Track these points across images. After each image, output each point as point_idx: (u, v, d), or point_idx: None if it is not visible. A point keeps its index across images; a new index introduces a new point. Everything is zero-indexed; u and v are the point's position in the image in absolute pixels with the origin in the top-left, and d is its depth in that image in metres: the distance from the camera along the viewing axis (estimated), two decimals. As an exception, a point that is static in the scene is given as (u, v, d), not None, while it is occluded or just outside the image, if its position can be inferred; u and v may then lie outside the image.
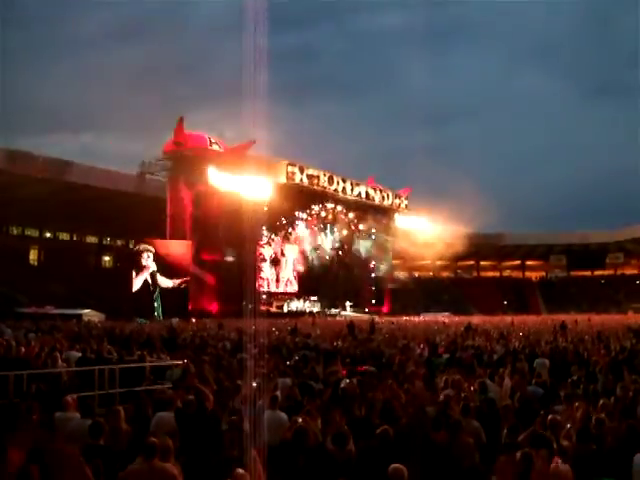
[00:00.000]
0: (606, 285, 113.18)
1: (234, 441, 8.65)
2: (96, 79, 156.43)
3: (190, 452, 9.20)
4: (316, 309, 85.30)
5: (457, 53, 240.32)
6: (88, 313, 57.78)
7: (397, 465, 7.24)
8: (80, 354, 20.50)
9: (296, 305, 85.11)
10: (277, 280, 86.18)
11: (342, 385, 14.68)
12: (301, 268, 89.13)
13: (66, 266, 67.82)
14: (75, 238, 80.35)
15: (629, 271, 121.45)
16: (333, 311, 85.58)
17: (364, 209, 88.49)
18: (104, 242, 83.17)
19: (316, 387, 14.41)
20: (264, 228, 75.11)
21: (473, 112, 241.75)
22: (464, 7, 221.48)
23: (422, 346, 25.97)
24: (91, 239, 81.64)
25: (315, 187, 78.86)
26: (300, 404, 12.32)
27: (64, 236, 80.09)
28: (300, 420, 10.09)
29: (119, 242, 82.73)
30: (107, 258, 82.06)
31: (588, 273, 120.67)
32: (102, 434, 9.06)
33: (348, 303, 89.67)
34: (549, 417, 10.27)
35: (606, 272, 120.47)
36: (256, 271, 72.46)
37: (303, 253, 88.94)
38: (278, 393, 12.65)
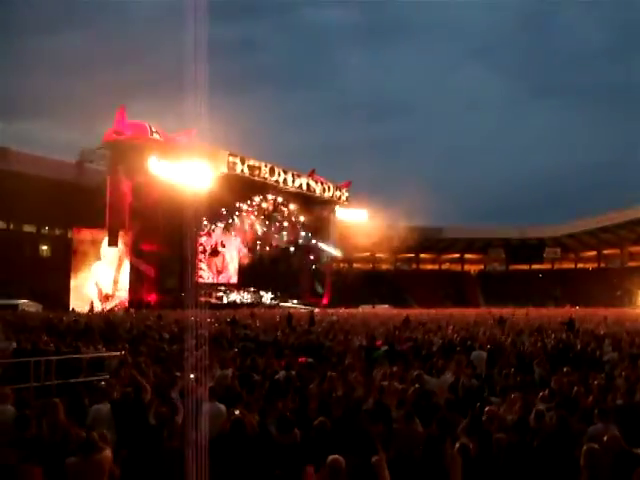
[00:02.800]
0: (544, 279, 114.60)
1: (172, 433, 8.64)
2: (33, 65, 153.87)
3: (128, 444, 9.16)
4: (256, 300, 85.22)
5: (398, 49, 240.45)
6: (25, 303, 57.05)
7: (336, 456, 7.27)
8: (15, 345, 20.32)
9: (236, 296, 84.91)
10: (217, 271, 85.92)
11: (279, 376, 14.74)
12: (241, 259, 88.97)
13: (2, 255, 66.80)
14: (12, 227, 79.05)
15: (566, 265, 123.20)
16: (273, 303, 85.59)
17: (305, 201, 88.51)
18: (42, 231, 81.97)
19: (256, 379, 14.42)
20: (204, 219, 74.76)
21: (414, 108, 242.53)
22: (405, 4, 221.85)
23: (360, 338, 26.05)
24: (28, 228, 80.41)
25: (256, 178, 78.52)
26: (239, 396, 12.32)
27: (0, 225, 78.82)
28: (237, 412, 10.08)
29: (57, 231, 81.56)
30: (45, 247, 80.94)
31: (526, 267, 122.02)
32: (29, 426, 8.98)
33: (283, 295, 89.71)
34: (486, 409, 10.39)
35: (544, 266, 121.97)
36: (195, 262, 72.15)
37: (243, 244, 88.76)
38: (216, 385, 12.64)
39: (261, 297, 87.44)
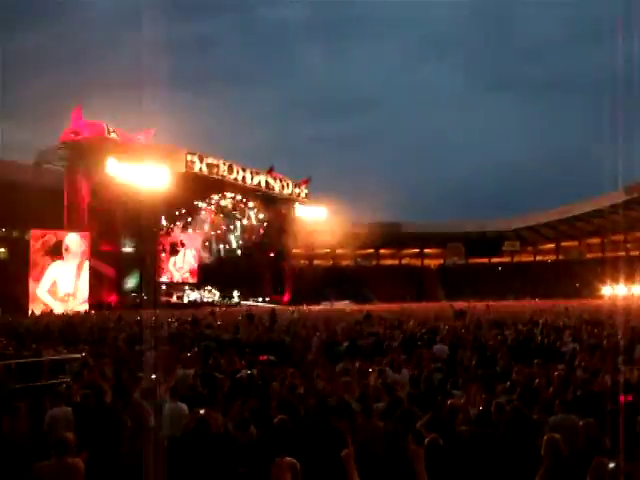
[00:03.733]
0: (503, 272, 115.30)
1: (134, 434, 8.61)
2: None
3: (90, 447, 9.10)
4: (216, 299, 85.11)
5: (358, 45, 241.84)
6: (-18, 307, 56.49)
7: (288, 458, 7.29)
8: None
9: (196, 295, 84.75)
10: (177, 270, 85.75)
11: (241, 375, 14.72)
12: (201, 258, 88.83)
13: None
14: (-33, 230, 78.20)
15: (525, 258, 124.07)
16: (233, 301, 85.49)
17: (264, 198, 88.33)
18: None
19: (218, 378, 14.39)
20: (163, 218, 74.50)
21: (374, 104, 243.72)
22: (361, 2, 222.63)
23: (320, 335, 26.05)
24: (-16, 231, 79.59)
25: (215, 176, 78.17)
26: (201, 395, 12.30)
27: (-45, 228, 77.86)
28: (202, 411, 10.07)
29: (14, 233, 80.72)
30: (2, 250, 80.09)
31: (485, 261, 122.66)
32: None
33: (244, 293, 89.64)
34: (448, 402, 10.46)
35: (503, 259, 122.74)
36: (155, 262, 71.89)
37: (203, 243, 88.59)
38: (177, 384, 12.62)
39: (223, 296, 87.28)
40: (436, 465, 8.05)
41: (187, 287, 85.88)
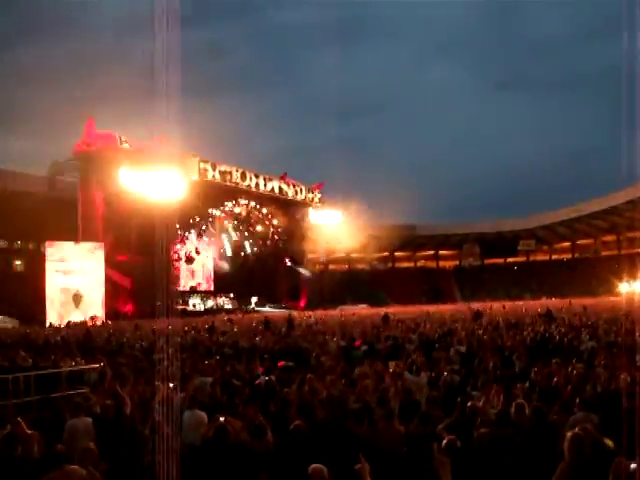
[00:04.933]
0: (519, 272, 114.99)
1: (154, 444, 8.60)
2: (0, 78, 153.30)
3: (109, 458, 9.09)
4: (233, 306, 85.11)
5: (366, 48, 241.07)
6: (1, 320, 56.65)
7: (317, 465, 7.24)
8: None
9: (212, 303, 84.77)
10: (192, 278, 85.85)
11: (259, 381, 14.71)
12: (216, 265, 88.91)
13: (-25, 272, 66.37)
14: (-16, 244, 78.55)
15: (540, 257, 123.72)
16: (250, 308, 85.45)
17: (278, 204, 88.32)
18: (15, 246, 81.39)
19: (237, 385, 14.39)
20: (177, 226, 74.61)
21: (384, 105, 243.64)
22: (370, 3, 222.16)
23: (336, 339, 26.04)
24: (0, 243, 79.82)
25: (228, 183, 78.28)
26: (220, 403, 12.30)
27: (-27, 242, 78.20)
28: (222, 419, 10.06)
29: (30, 245, 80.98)
30: (18, 262, 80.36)
31: (501, 261, 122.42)
32: (18, 444, 8.89)
33: (260, 299, 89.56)
34: (469, 404, 10.42)
35: (519, 259, 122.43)
36: (170, 270, 71.98)
37: (218, 250, 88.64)
38: (196, 393, 12.62)
39: (238, 303, 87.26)
40: (454, 467, 8.03)
41: (203, 295, 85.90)
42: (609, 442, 8.08)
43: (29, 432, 9.91)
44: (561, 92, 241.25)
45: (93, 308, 63.47)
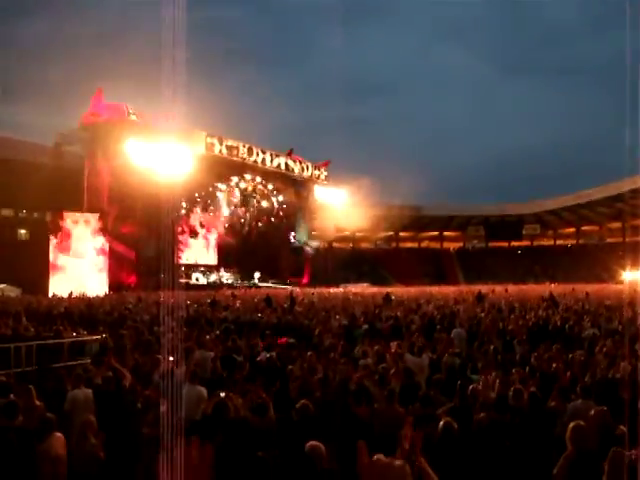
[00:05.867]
0: (523, 256, 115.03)
1: (152, 418, 8.62)
2: (6, 50, 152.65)
3: (109, 429, 9.14)
4: (236, 281, 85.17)
5: (374, 28, 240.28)
6: (4, 288, 56.74)
7: (314, 442, 7.27)
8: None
9: (215, 277, 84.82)
10: (196, 252, 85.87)
11: (261, 358, 14.73)
12: (220, 240, 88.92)
13: (-20, 241, 66.25)
14: (-12, 212, 78.51)
15: (545, 242, 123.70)
16: (253, 283, 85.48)
17: (284, 180, 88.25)
18: (20, 215, 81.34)
19: (238, 360, 14.40)
20: (183, 200, 74.46)
21: (392, 87, 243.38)
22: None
23: (339, 317, 26.05)
24: (6, 212, 79.78)
25: (234, 158, 78.16)
26: (221, 378, 12.33)
27: (-23, 210, 78.13)
28: (222, 394, 10.08)
29: (35, 215, 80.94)
30: (23, 231, 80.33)
31: (505, 244, 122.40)
32: (17, 414, 8.92)
33: (263, 275, 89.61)
34: (470, 387, 10.42)
35: (523, 243, 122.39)
36: (174, 243, 71.92)
37: (222, 225, 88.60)
38: (196, 367, 12.63)
39: (241, 278, 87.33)
40: (452, 449, 8.05)
41: (206, 269, 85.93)
42: (622, 428, 8.08)
43: (37, 403, 9.99)
44: (568, 78, 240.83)
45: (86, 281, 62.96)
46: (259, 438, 8.70)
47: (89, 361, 14.97)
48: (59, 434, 8.38)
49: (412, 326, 23.21)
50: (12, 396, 9.82)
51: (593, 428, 8.31)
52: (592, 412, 8.79)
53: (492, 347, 16.40)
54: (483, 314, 26.72)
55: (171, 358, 10.04)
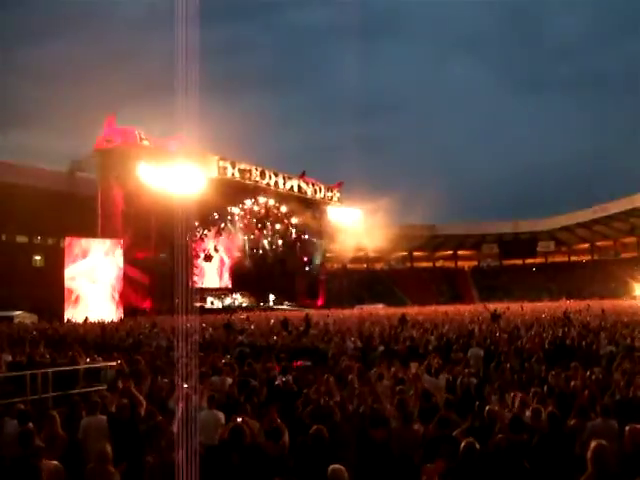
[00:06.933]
0: (538, 273, 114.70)
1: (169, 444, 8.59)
2: (19, 76, 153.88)
3: (123, 458, 9.11)
4: (251, 304, 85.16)
5: (386, 46, 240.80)
6: (20, 315, 56.72)
7: (337, 466, 7.21)
8: (10, 358, 20.26)
9: (230, 301, 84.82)
10: (210, 276, 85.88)
11: (277, 382, 14.67)
12: (234, 263, 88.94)
13: (-5, 267, 66.45)
14: (4, 238, 78.74)
15: (559, 259, 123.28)
16: (267, 306, 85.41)
17: (297, 203, 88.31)
18: (34, 242, 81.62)
19: (254, 384, 14.35)
20: (196, 224, 74.63)
21: (403, 105, 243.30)
22: (389, 2, 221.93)
23: (353, 339, 25.94)
24: (21, 239, 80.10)
25: (247, 181, 78.44)
26: (238, 402, 12.28)
27: (-7, 236, 78.43)
28: (239, 419, 10.05)
29: (50, 241, 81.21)
30: (38, 258, 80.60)
31: (520, 262, 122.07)
32: (32, 442, 8.88)
33: (278, 298, 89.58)
34: (487, 408, 10.34)
35: (537, 260, 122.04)
36: (189, 267, 72.02)
37: (236, 248, 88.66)
38: (213, 391, 12.60)
39: (256, 301, 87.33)
40: (473, 470, 7.98)
41: (221, 292, 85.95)
42: None
43: (60, 432, 9.97)
44: (581, 92, 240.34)
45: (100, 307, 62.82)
46: (273, 463, 8.66)
47: (105, 388, 14.97)
48: (51, 462, 8.32)
49: (428, 347, 23.13)
50: (31, 424, 9.82)
51: (628, 447, 8.23)
52: (627, 428, 8.63)
53: (509, 366, 16.32)
54: (499, 333, 26.61)
55: (185, 385, 10.02)
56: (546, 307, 57.37)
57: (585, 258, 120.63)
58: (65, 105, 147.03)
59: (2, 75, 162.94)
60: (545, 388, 12.91)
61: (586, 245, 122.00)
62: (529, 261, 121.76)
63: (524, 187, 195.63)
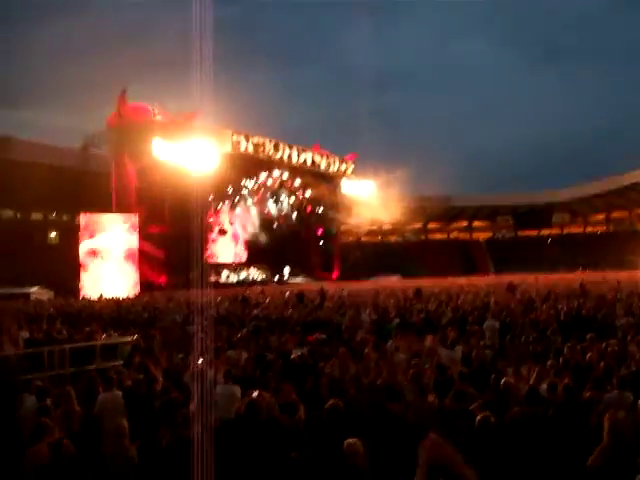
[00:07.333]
0: (553, 244, 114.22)
1: (185, 419, 8.61)
2: (32, 52, 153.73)
3: (140, 433, 9.14)
4: (266, 278, 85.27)
5: (402, 18, 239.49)
6: (36, 291, 56.95)
7: (352, 440, 7.23)
8: (28, 334, 20.36)
9: (245, 274, 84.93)
10: (225, 250, 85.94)
11: (293, 356, 14.68)
12: (249, 237, 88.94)
13: (11, 244, 66.57)
14: (19, 216, 78.97)
15: (575, 230, 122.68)
16: (282, 279, 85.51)
17: (311, 176, 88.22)
18: (49, 218, 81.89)
19: (270, 358, 14.37)
20: (211, 198, 74.59)
21: (416, 77, 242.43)
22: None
23: (369, 312, 25.92)
24: (36, 216, 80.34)
25: (261, 155, 78.22)
26: (253, 377, 12.31)
27: (8, 214, 78.62)
28: (255, 393, 10.06)
29: (65, 217, 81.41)
30: (53, 234, 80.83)
31: (535, 233, 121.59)
32: (44, 437, 8.93)
33: (293, 271, 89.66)
34: (502, 381, 10.32)
35: (553, 231, 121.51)
36: (203, 242, 71.97)
37: (251, 222, 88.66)
38: (229, 366, 12.63)
39: (271, 274, 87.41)
40: (489, 444, 7.98)
41: (236, 266, 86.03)
42: None
43: (77, 408, 10.04)
44: (596, 63, 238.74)
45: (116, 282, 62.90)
46: (289, 438, 8.68)
47: (121, 363, 15.05)
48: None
49: (444, 319, 23.10)
50: (49, 401, 9.89)
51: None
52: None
53: (524, 339, 16.29)
54: (514, 305, 26.55)
55: (201, 359, 10.04)
56: (561, 278, 57.22)
57: (601, 229, 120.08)
58: (79, 82, 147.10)
59: (13, 51, 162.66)
60: (561, 360, 12.87)
61: (601, 216, 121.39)
62: (544, 232, 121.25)
63: (540, 158, 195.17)
